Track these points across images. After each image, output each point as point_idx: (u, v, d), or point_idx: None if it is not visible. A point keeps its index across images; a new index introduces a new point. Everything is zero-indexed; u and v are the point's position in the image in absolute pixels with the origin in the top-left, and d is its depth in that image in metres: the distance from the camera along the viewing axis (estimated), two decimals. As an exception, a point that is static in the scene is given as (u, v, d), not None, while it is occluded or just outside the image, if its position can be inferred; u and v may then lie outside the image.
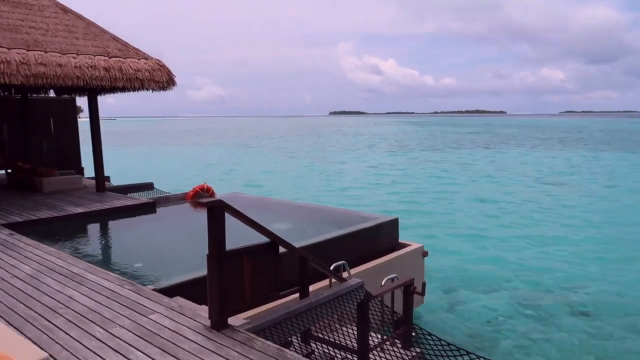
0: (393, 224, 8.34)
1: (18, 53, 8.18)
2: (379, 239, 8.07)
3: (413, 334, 5.86)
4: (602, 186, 24.91)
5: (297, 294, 4.58)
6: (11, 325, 3.67)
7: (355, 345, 5.04)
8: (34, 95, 13.71)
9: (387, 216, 8.62)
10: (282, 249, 4.25)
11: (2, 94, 13.35)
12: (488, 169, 32.56)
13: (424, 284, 6.02)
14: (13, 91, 13.19)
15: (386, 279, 5.90)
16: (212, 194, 11.13)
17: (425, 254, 8.46)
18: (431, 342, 5.27)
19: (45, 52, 8.62)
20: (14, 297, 4.26)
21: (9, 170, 12.11)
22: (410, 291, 5.72)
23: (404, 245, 8.35)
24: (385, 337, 5.61)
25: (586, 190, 23.37)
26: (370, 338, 5.14)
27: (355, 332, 5.09)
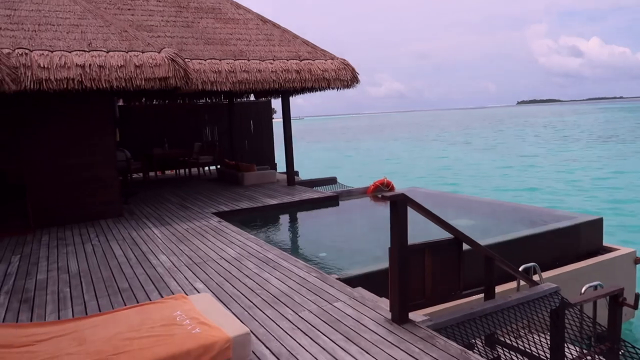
0: (596, 225, 7.33)
1: (227, 63, 9.36)
2: (578, 241, 7.17)
3: (621, 352, 5.07)
4: None
5: (481, 295, 4.32)
6: (220, 300, 4.22)
7: (547, 356, 4.57)
8: (238, 99, 15.60)
9: (588, 215, 7.62)
10: (466, 247, 4.06)
11: (213, 100, 15.51)
12: None
13: (637, 295, 5.15)
14: (222, 97, 15.21)
15: (587, 286, 5.21)
16: (392, 188, 11.25)
17: (637, 260, 7.25)
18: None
19: (248, 61, 9.70)
20: (222, 277, 4.90)
21: (219, 167, 14.00)
22: (619, 302, 4.94)
23: (610, 250, 7.28)
24: (585, 351, 4.96)
25: None
26: (567, 349, 4.61)
27: (547, 342, 4.61)
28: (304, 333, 3.51)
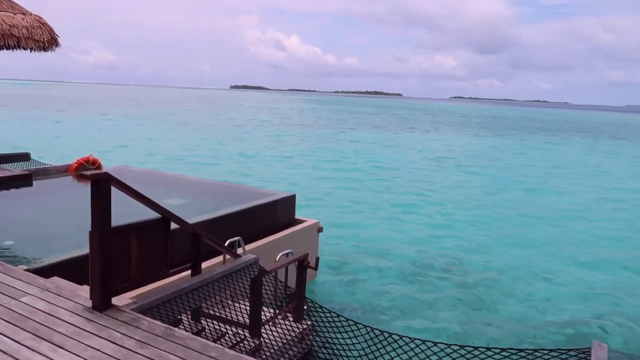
0: (290, 200, 8.43)
1: None
2: (276, 215, 8.12)
3: (305, 307, 6.02)
4: (487, 168, 27.27)
5: (189, 272, 4.46)
6: None
7: (247, 320, 5.06)
8: None
9: (284, 192, 8.68)
10: (174, 226, 4.09)
11: None
12: (381, 149, 34.09)
13: (317, 259, 6.18)
14: None
15: (281, 254, 5.97)
16: (99, 167, 10.41)
17: (320, 229, 8.68)
18: (321, 314, 5.49)
19: None
20: None
21: None
22: (304, 266, 5.84)
23: (300, 222, 8.49)
24: (277, 311, 5.69)
25: (476, 172, 25.43)
26: (262, 313, 5.19)
27: (247, 308, 5.10)
28: (-22, 338, 2.95)
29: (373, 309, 8.26)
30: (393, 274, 9.99)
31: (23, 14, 9.15)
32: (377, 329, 4.96)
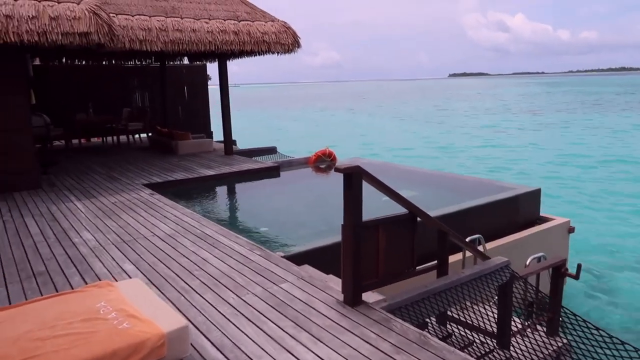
0: (534, 195, 7.48)
1: (158, 20, 8.54)
2: (518, 211, 7.29)
3: (570, 311, 5.18)
4: None
5: (434, 271, 4.16)
6: (153, 284, 3.78)
7: (494, 328, 4.54)
8: (171, 62, 14.59)
9: (527, 187, 7.74)
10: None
11: (143, 63, 14.39)
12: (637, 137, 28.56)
13: (579, 266, 5.23)
14: (153, 59, 14.13)
15: (532, 257, 5.25)
16: (334, 159, 11.00)
17: (571, 229, 7.50)
18: (581, 330, 4.59)
19: (182, 19, 8.92)
20: (155, 256, 4.43)
21: (150, 134, 13.10)
22: (562, 273, 5.00)
23: (547, 220, 7.47)
24: (528, 322, 5.01)
25: None
26: (512, 321, 4.61)
27: (493, 314, 4.58)
28: (249, 320, 3.18)
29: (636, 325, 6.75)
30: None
31: (272, 21, 10.21)
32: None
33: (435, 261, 4.13)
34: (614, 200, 13.95)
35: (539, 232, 6.95)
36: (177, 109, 14.95)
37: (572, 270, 5.27)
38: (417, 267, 3.91)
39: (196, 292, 3.61)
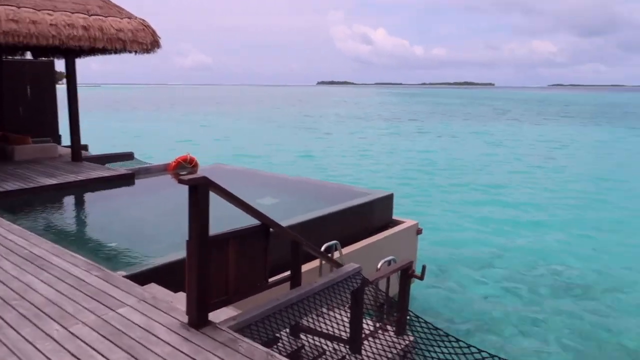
0: (388, 200, 7.89)
1: (-15, 8, 7.41)
2: (373, 216, 7.63)
3: (414, 313, 5.50)
4: (596, 163, 24.75)
5: (287, 282, 4.10)
6: (-46, 321, 3.15)
7: (347, 332, 4.64)
8: (9, 57, 12.86)
9: (381, 191, 8.15)
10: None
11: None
12: (476, 143, 32.26)
13: (424, 267, 5.59)
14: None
15: (382, 261, 5.48)
16: (196, 165, 10.57)
17: (419, 231, 8.07)
18: (425, 329, 4.94)
19: (18, 8, 7.86)
20: (-37, 285, 3.73)
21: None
22: (408, 275, 5.30)
23: (398, 223, 7.93)
24: (378, 324, 5.21)
25: (580, 167, 23.18)
26: (364, 324, 4.76)
27: (345, 318, 4.69)
28: (73, 355, 2.77)
29: (476, 326, 7.42)
30: (496, 284, 9.07)
31: (129, 18, 9.47)
32: (485, 352, 4.36)
33: (289, 272, 4.07)
34: (457, 201, 15.47)
35: (391, 235, 7.34)
36: (17, 110, 13.20)
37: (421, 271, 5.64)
38: (270, 280, 3.82)
39: (10, 327, 3.08)
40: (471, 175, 19.87)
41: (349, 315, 4.65)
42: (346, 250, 6.55)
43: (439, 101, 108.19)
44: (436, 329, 4.84)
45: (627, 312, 7.94)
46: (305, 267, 5.89)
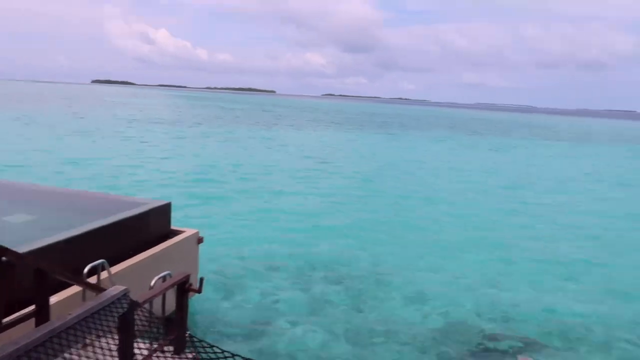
0: (165, 209, 7.45)
1: None
2: (149, 227, 7.10)
3: (188, 332, 5.25)
4: (364, 165, 28.05)
5: (31, 319, 3.45)
6: None
7: (117, 361, 4.16)
8: None
9: (158, 201, 7.65)
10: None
11: None
12: (261, 147, 33.51)
13: (201, 280, 5.40)
14: None
15: (156, 278, 5.11)
16: None
17: (200, 240, 7.85)
18: (204, 344, 4.78)
19: None
20: None
21: None
22: (185, 289, 5.04)
23: (177, 233, 7.57)
24: (154, 345, 4.83)
25: (353, 167, 25.95)
26: (137, 349, 4.34)
27: (114, 346, 4.20)
28: None
29: (260, 333, 7.54)
30: (279, 283, 9.46)
31: None
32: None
33: (33, 306, 3.42)
34: (241, 207, 15.69)
35: (169, 247, 6.95)
36: None
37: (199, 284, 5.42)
38: (4, 320, 3.14)
39: None
40: (256, 182, 20.39)
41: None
42: (117, 268, 5.94)
43: (226, 106, 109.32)
44: (211, 346, 4.69)
45: (396, 303, 9.01)
46: (65, 294, 5.17)
